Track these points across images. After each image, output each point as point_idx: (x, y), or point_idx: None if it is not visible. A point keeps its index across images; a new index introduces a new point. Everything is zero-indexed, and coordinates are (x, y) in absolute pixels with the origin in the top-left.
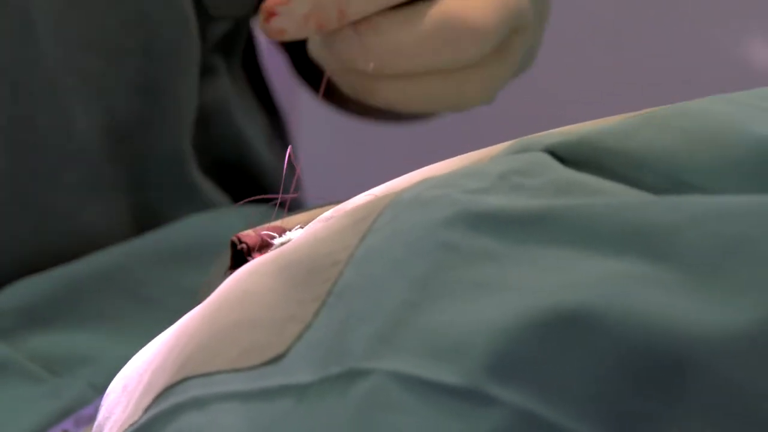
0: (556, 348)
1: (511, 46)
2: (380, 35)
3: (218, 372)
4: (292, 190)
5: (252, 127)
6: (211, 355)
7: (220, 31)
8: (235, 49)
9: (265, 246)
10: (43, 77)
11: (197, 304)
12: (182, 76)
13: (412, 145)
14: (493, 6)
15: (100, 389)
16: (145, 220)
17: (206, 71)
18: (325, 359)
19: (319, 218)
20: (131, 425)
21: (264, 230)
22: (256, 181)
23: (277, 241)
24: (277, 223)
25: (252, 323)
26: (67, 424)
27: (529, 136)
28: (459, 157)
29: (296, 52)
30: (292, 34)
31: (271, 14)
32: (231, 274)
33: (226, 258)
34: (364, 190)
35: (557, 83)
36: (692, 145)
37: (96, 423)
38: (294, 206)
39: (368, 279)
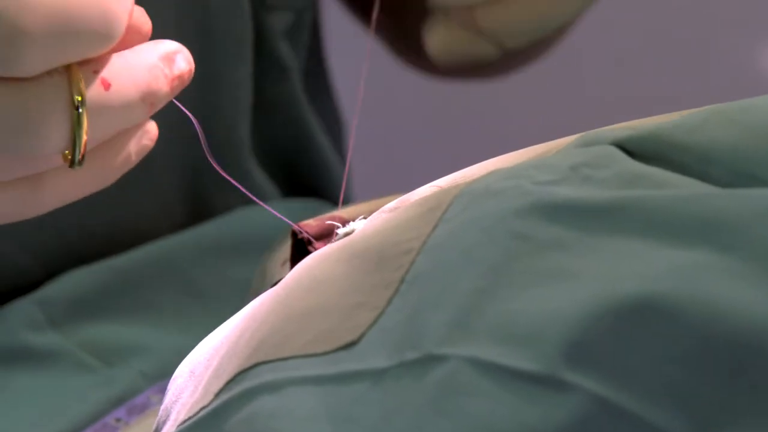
0: (631, 336)
1: None
2: None
3: (291, 357)
4: (344, 187)
5: (313, 124)
6: (283, 340)
7: (283, 23)
8: (298, 42)
9: (326, 235)
10: None
11: (249, 295)
12: (237, 63)
13: (457, 146)
14: None
15: (152, 378)
16: (195, 207)
17: (271, 63)
18: (399, 345)
19: (382, 209)
20: (202, 408)
21: (326, 220)
22: (311, 177)
23: (340, 231)
24: (338, 213)
25: (324, 309)
26: (120, 412)
27: (596, 130)
28: (521, 150)
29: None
30: None
31: None
32: (290, 263)
33: (282, 247)
34: (409, 189)
35: (565, 100)
36: (757, 139)
37: (163, 406)
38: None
39: (441, 267)
